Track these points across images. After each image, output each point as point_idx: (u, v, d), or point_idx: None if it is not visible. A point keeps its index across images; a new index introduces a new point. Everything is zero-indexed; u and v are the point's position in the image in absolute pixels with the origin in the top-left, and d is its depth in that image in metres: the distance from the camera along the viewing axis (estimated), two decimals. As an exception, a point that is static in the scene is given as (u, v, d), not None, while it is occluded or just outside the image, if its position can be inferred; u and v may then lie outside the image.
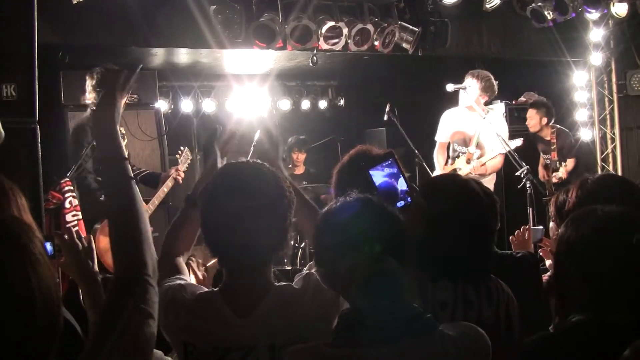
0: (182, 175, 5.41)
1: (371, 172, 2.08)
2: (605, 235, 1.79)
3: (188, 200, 2.20)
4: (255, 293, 1.89)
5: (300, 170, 7.99)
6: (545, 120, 7.13)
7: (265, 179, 1.89)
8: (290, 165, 7.94)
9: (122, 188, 1.47)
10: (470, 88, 5.85)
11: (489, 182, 6.00)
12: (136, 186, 1.48)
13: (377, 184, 2.07)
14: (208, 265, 4.04)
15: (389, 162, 2.12)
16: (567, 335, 1.78)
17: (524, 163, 5.98)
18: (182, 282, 1.99)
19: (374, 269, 1.57)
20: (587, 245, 1.80)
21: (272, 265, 2.01)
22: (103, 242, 4.75)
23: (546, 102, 7.39)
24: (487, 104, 6.47)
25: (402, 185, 2.09)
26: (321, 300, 1.86)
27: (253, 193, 1.84)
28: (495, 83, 6.10)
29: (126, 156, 1.53)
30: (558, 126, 7.34)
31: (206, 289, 2.02)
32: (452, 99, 6.50)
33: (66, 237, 2.14)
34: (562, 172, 7.07)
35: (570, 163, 7.23)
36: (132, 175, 1.50)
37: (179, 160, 5.55)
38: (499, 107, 7.27)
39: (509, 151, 5.96)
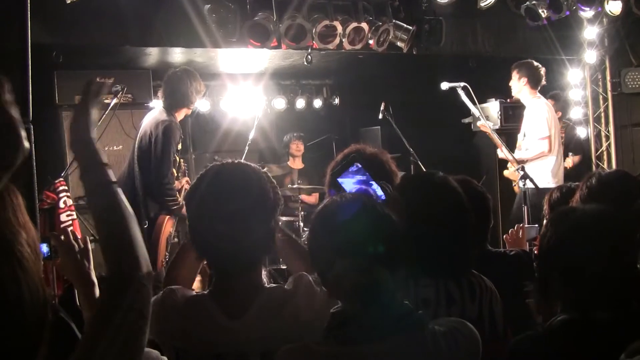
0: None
1: (340, 181, 2.07)
2: (583, 234, 1.80)
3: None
4: (245, 295, 1.87)
5: (298, 164, 7.93)
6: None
7: (248, 179, 1.87)
8: (289, 160, 7.89)
9: (104, 193, 1.47)
10: (512, 81, 6.24)
11: (543, 168, 6.15)
12: (120, 190, 1.47)
13: (348, 191, 2.07)
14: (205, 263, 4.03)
15: (355, 167, 2.11)
16: (554, 334, 1.78)
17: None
18: (172, 286, 1.97)
19: (362, 280, 1.56)
20: (567, 244, 1.81)
21: (268, 264, 2.00)
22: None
23: (559, 93, 7.53)
24: (482, 102, 6.49)
25: (374, 187, 2.09)
26: (313, 301, 1.85)
27: (236, 194, 1.83)
28: (539, 71, 6.15)
29: (106, 161, 1.52)
30: (568, 121, 7.51)
31: (197, 292, 2.01)
32: (447, 97, 6.51)
33: (62, 237, 2.13)
34: (568, 162, 7.15)
35: (576, 157, 7.42)
36: (114, 179, 1.50)
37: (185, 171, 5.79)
38: (495, 105, 7.28)
39: (503, 150, 5.98)
